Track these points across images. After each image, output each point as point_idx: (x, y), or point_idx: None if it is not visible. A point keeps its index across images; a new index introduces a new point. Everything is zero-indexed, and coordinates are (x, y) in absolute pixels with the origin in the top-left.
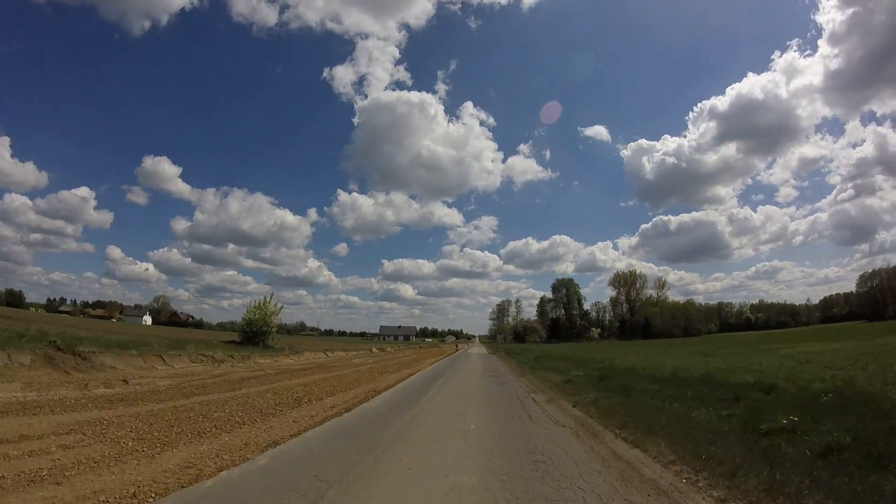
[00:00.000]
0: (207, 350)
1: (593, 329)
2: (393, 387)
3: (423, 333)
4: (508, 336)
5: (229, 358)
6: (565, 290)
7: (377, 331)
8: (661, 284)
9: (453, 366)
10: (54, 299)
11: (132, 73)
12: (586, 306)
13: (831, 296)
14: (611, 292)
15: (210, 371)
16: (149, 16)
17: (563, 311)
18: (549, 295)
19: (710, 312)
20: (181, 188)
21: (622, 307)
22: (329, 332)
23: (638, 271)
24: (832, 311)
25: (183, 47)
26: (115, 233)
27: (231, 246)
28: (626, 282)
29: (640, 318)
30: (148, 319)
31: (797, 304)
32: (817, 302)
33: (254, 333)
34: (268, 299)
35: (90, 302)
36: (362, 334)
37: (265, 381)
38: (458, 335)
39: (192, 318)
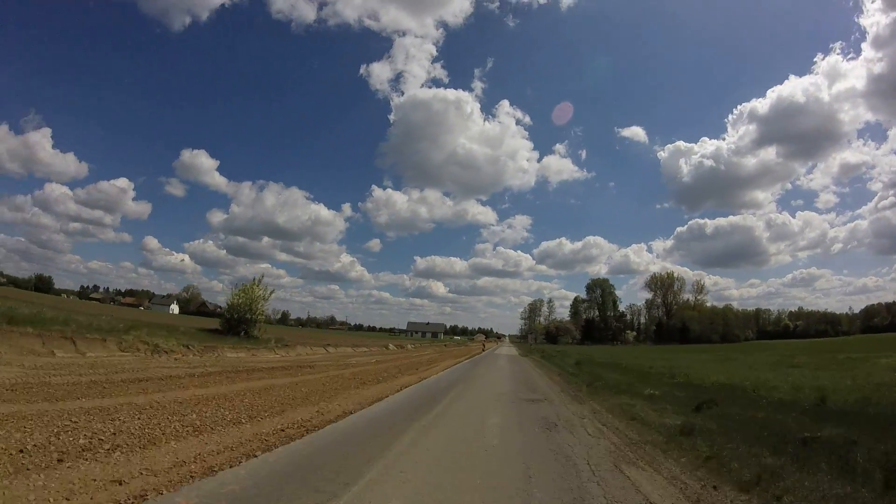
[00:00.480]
0: (155, 337)
1: (628, 332)
2: (335, 421)
3: (453, 331)
4: (540, 336)
5: (183, 348)
6: (600, 291)
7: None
8: (700, 288)
9: (473, 373)
10: (87, 286)
11: (172, 67)
12: (621, 308)
13: (872, 305)
14: (646, 294)
15: (131, 364)
16: (189, 12)
17: (596, 313)
18: (583, 295)
19: (746, 318)
20: (218, 181)
21: (658, 310)
22: (358, 328)
23: (676, 274)
24: (873, 321)
25: (222, 43)
26: (152, 223)
27: (265, 239)
28: (662, 284)
29: (678, 322)
30: (175, 308)
31: (837, 312)
32: (857, 311)
33: (236, 321)
34: (256, 282)
35: (122, 291)
36: (391, 330)
37: (163, 388)
38: (489, 334)
39: (221, 308)
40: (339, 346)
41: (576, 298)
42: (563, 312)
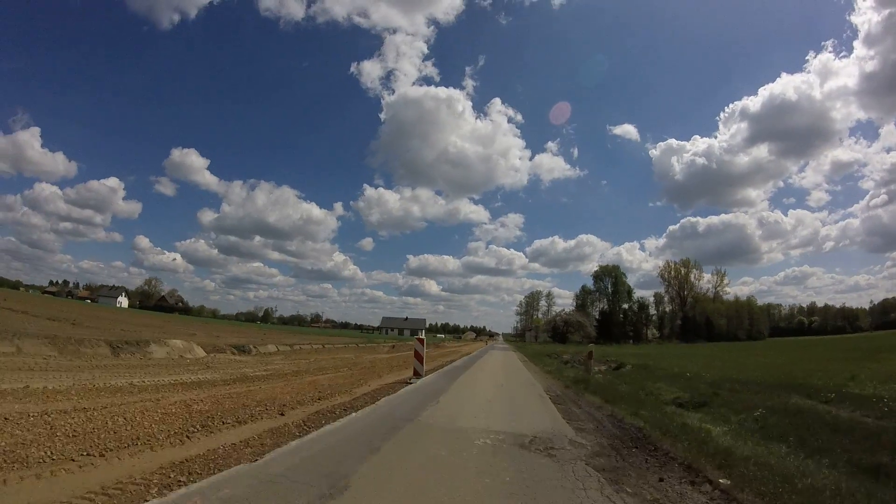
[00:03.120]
0: None
1: (651, 329)
2: None
3: (444, 329)
4: (543, 333)
5: None
6: (611, 280)
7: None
8: (721, 278)
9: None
10: (56, 282)
11: (161, 66)
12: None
13: (888, 299)
14: (642, 291)
15: None
16: (178, 9)
17: (606, 305)
18: (579, 291)
19: (759, 314)
20: (209, 180)
21: (673, 303)
22: (345, 325)
23: (692, 262)
24: (890, 316)
25: (211, 41)
26: (143, 223)
27: (257, 238)
28: (677, 274)
29: (700, 316)
30: (124, 301)
31: (854, 307)
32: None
33: None
34: None
35: (80, 285)
36: (361, 328)
37: None
38: (481, 332)
39: (183, 303)
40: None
41: (583, 288)
42: (561, 308)
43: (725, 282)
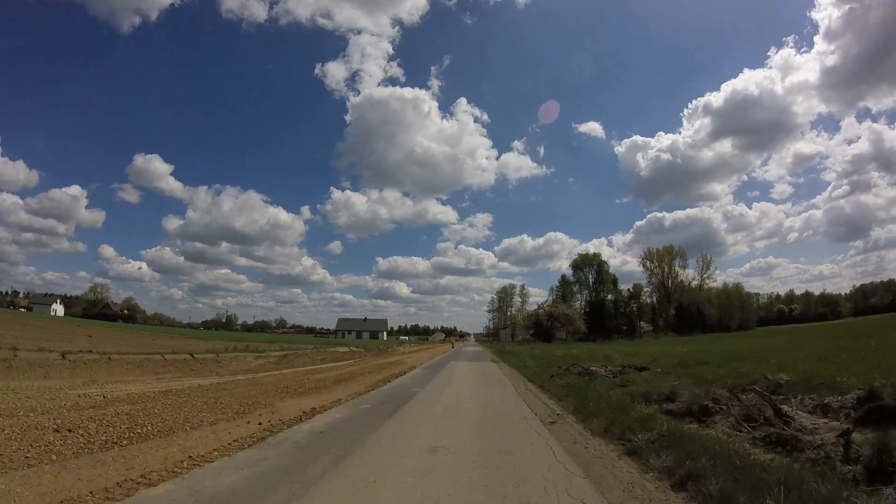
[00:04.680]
0: None
1: (643, 322)
2: None
3: (414, 331)
4: (522, 331)
5: None
6: (593, 270)
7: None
8: (707, 264)
9: None
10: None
11: (122, 71)
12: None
13: (867, 284)
14: (627, 283)
15: None
16: (138, 12)
17: (588, 297)
18: (570, 277)
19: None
20: (173, 186)
21: (656, 293)
22: (311, 330)
23: (676, 247)
24: (870, 301)
25: (173, 44)
26: (107, 232)
27: (224, 244)
28: (660, 260)
29: (692, 306)
30: (59, 309)
31: (833, 293)
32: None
33: None
34: None
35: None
36: (312, 331)
37: None
38: (451, 332)
39: (127, 311)
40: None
41: (562, 279)
42: (534, 304)
43: (712, 269)
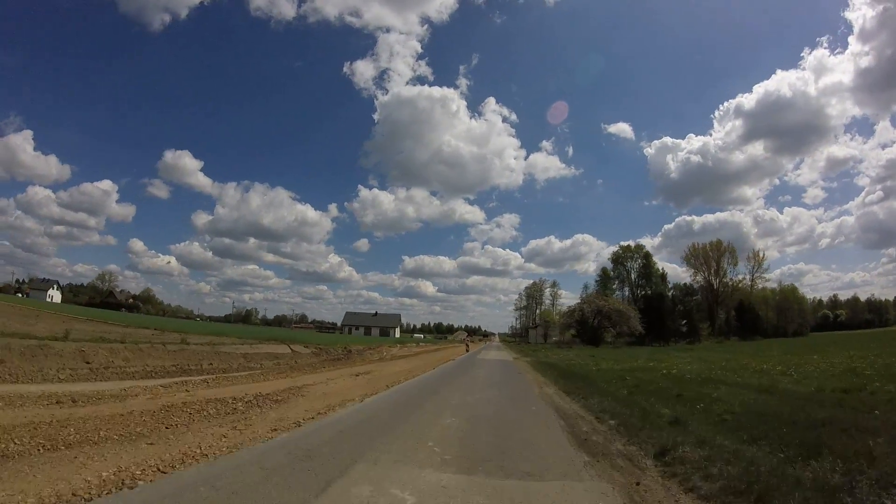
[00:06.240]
0: None
1: (703, 324)
2: None
3: (438, 329)
4: (560, 330)
5: None
6: (638, 264)
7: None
8: (759, 262)
9: None
10: (22, 280)
11: (152, 68)
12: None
13: None
14: (685, 274)
15: None
16: (168, 10)
17: (631, 294)
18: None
19: None
20: (202, 182)
21: (703, 292)
22: (332, 326)
23: (725, 244)
24: None
25: (202, 41)
26: (136, 226)
27: (252, 240)
28: (706, 258)
29: (748, 307)
30: (56, 296)
31: (881, 299)
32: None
33: None
34: None
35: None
36: (319, 325)
37: None
38: (475, 332)
39: (135, 300)
40: None
41: (603, 271)
42: (563, 305)
43: (765, 266)
